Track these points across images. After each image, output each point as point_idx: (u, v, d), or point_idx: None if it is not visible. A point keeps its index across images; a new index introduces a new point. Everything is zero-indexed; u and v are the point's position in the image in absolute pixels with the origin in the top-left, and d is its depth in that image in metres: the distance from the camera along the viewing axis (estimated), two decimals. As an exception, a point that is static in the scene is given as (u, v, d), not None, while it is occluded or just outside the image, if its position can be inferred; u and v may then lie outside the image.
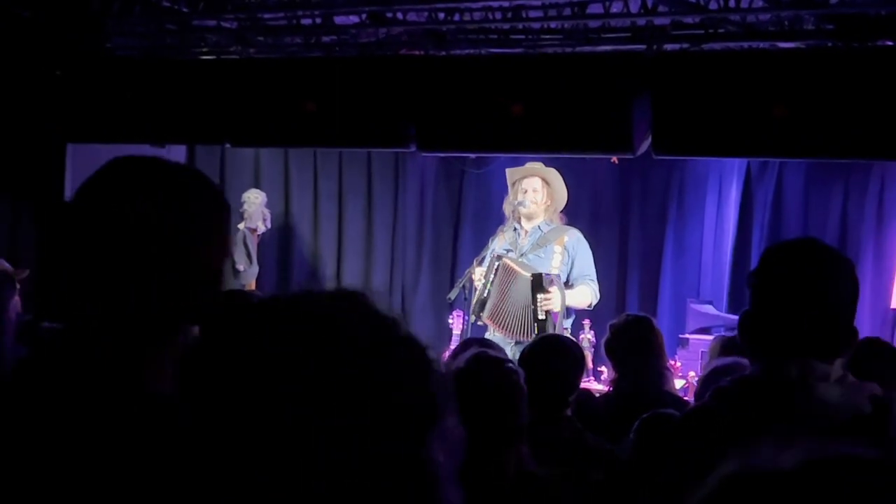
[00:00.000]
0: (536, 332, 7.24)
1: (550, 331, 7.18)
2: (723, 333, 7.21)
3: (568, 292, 7.40)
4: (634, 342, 5.24)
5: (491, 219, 9.61)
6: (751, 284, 2.66)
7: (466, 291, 7.59)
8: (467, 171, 11.04)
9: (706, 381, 3.85)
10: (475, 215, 11.06)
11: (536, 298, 7.28)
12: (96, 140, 7.46)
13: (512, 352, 7.09)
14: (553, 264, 7.54)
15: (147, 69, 7.43)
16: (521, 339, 7.34)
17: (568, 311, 7.53)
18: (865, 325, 9.00)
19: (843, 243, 9.49)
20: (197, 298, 1.79)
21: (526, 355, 4.57)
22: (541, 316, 7.28)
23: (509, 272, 7.44)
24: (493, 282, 7.47)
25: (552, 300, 7.28)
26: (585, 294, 7.50)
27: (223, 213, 1.89)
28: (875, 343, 4.34)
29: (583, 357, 4.74)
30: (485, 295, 7.49)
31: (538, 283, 7.28)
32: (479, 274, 7.55)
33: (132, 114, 7.36)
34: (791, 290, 2.56)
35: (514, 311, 7.40)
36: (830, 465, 0.86)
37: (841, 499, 0.84)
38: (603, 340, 5.40)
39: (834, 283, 2.57)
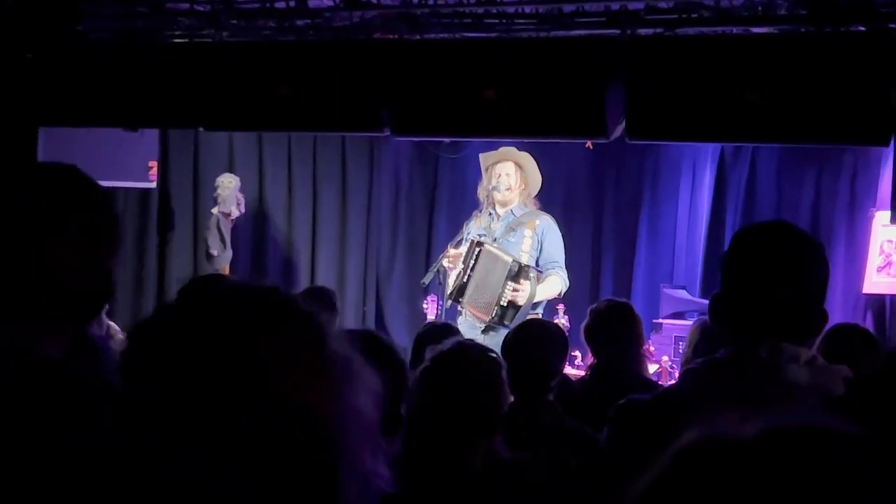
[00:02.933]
0: (494, 316, 7.27)
1: (507, 321, 7.21)
2: (703, 318, 7.23)
3: (539, 287, 7.39)
4: (615, 327, 5.26)
5: (465, 203, 9.62)
6: (722, 266, 2.67)
7: (440, 276, 7.59)
8: (442, 156, 11.03)
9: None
10: (450, 200, 11.06)
11: (506, 285, 7.28)
12: (68, 124, 7.43)
13: (481, 339, 7.10)
14: (523, 248, 7.54)
15: (119, 52, 7.37)
16: (485, 316, 7.35)
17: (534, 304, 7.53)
18: (837, 309, 9.04)
19: (815, 228, 9.54)
20: (65, 294, 1.84)
21: (509, 340, 4.57)
22: (503, 302, 7.29)
23: (490, 256, 7.44)
24: (472, 267, 7.46)
25: (520, 294, 7.28)
26: (555, 285, 7.50)
27: (96, 212, 1.92)
28: (847, 327, 4.36)
29: (566, 342, 4.75)
30: (464, 280, 7.48)
31: (515, 273, 7.28)
32: (452, 254, 7.54)
33: (104, 97, 7.31)
34: (761, 271, 2.57)
35: (488, 293, 7.40)
36: (791, 434, 0.86)
37: (801, 467, 0.84)
38: (583, 325, 5.41)
39: (804, 265, 2.58)
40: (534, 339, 4.50)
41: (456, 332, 5.21)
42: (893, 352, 2.77)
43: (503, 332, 5.99)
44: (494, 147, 7.97)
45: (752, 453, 0.85)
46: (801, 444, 0.85)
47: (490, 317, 7.34)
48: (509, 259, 7.32)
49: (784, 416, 0.88)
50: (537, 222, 7.63)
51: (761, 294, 2.56)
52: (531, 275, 7.33)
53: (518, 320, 7.17)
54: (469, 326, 7.34)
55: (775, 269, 2.56)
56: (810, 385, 2.48)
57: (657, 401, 2.80)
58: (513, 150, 7.81)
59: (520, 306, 7.28)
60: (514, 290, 7.27)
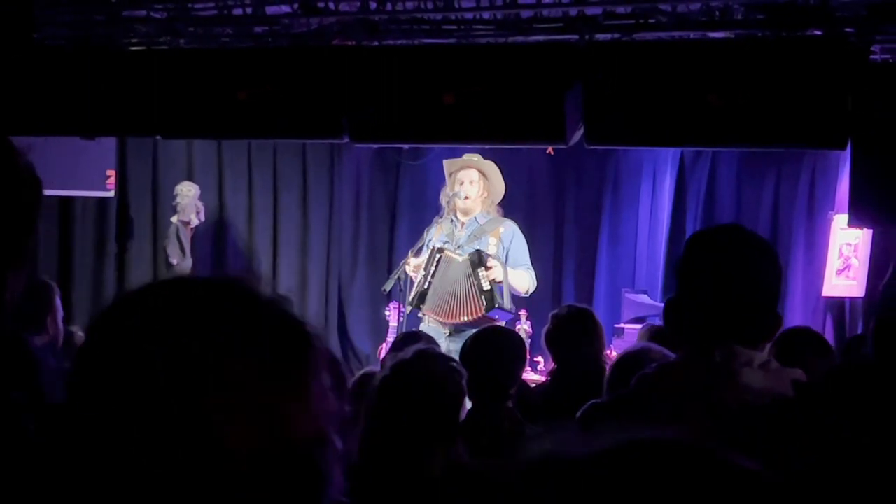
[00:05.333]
0: (485, 304, 7.26)
1: (498, 302, 7.22)
2: (653, 322, 7.25)
3: (511, 273, 7.42)
4: (576, 333, 5.27)
5: (427, 210, 9.61)
6: (676, 271, 2.67)
7: (402, 283, 7.59)
8: (403, 163, 11.03)
9: (617, 368, 3.85)
10: (411, 206, 11.05)
11: (478, 274, 7.29)
12: (24, 132, 7.33)
13: (446, 344, 7.10)
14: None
15: (76, 60, 7.30)
16: (470, 317, 7.33)
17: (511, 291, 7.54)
18: (797, 312, 9.11)
19: (775, 232, 9.60)
20: None
21: (468, 348, 4.57)
22: (486, 287, 7.29)
23: (450, 263, 7.45)
24: (433, 274, 7.46)
25: (494, 270, 7.30)
26: (524, 278, 7.53)
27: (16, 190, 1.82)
28: (799, 330, 4.38)
29: (524, 349, 4.76)
30: (425, 287, 7.47)
31: (477, 260, 7.30)
32: (414, 265, 7.55)
33: (61, 105, 7.24)
34: (714, 276, 2.57)
35: (457, 296, 7.40)
36: (631, 451, 0.85)
37: (631, 486, 0.83)
38: (544, 330, 5.42)
39: (756, 268, 2.58)
40: (492, 347, 4.50)
41: (428, 339, 5.19)
42: (843, 363, 2.78)
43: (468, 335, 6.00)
44: (457, 153, 7.97)
45: (584, 472, 0.84)
46: (634, 464, 0.84)
47: (477, 311, 7.31)
48: (463, 257, 7.36)
49: (627, 434, 0.87)
50: (502, 230, 7.64)
51: (715, 298, 2.56)
52: (491, 254, 7.37)
53: (508, 301, 7.20)
54: (433, 332, 7.32)
55: (729, 274, 2.56)
56: (764, 388, 2.48)
57: (612, 405, 2.80)
58: (477, 157, 7.82)
59: (500, 282, 7.30)
60: (487, 269, 7.29)
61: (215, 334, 1.11)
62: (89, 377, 1.12)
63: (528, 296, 7.76)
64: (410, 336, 5.33)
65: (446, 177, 7.86)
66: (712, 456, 0.86)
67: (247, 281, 1.20)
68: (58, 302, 4.80)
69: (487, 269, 7.32)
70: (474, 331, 5.21)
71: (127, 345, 1.11)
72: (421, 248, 7.66)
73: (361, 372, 4.70)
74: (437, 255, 7.47)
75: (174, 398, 1.06)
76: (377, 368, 4.72)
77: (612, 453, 0.86)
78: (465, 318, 7.38)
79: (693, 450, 0.86)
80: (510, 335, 4.95)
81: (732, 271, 2.56)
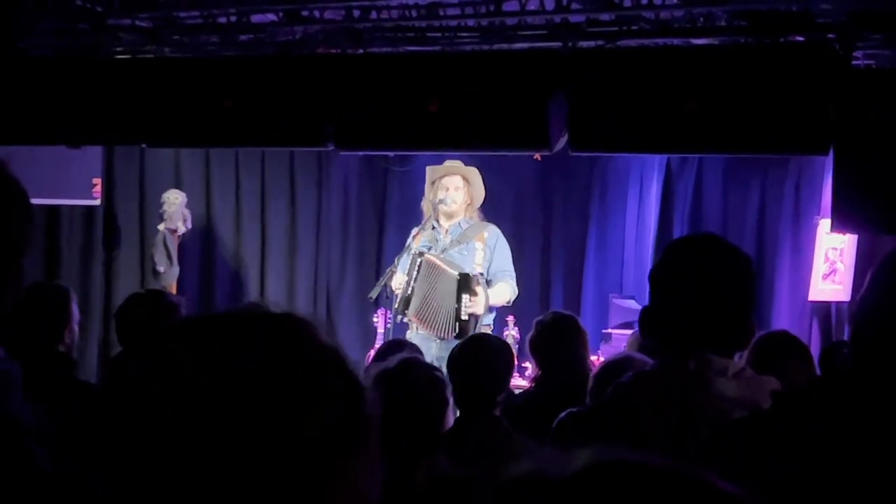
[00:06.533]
0: (458, 332, 7.25)
1: (471, 331, 7.21)
2: (640, 329, 7.25)
3: (490, 291, 7.42)
4: (559, 340, 5.27)
5: (415, 216, 9.59)
6: (651, 279, 2.68)
7: (388, 290, 7.60)
8: (390, 169, 11.02)
9: (600, 376, 3.86)
10: (399, 213, 11.04)
11: (461, 299, 7.28)
12: (8, 142, 7.34)
13: (436, 349, 7.11)
14: (476, 260, 7.58)
15: (61, 69, 7.31)
16: (443, 336, 7.35)
17: (490, 308, 7.56)
18: (784, 317, 9.12)
19: (761, 237, 9.62)
20: None
21: (455, 356, 4.56)
22: (463, 317, 7.29)
23: (433, 268, 7.45)
24: (416, 279, 7.47)
25: (477, 303, 7.30)
26: (505, 292, 7.54)
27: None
28: (775, 335, 4.37)
29: (512, 357, 4.75)
30: (409, 293, 7.48)
31: (465, 284, 7.29)
32: (398, 280, 7.55)
33: (46, 115, 7.25)
34: (689, 284, 2.59)
35: (437, 309, 7.41)
36: (607, 472, 0.86)
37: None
38: (528, 337, 5.42)
39: (729, 277, 2.60)
40: (479, 355, 4.49)
41: (412, 348, 5.19)
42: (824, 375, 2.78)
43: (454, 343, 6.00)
44: (442, 160, 7.98)
45: (564, 491, 0.85)
46: (614, 483, 0.85)
47: (448, 333, 7.32)
48: (454, 273, 7.33)
49: (609, 453, 0.87)
50: (486, 234, 7.66)
51: (689, 307, 2.58)
52: (479, 280, 7.36)
53: (477, 329, 7.20)
54: (422, 339, 7.32)
55: (703, 283, 2.57)
56: (738, 397, 2.50)
57: (588, 414, 2.81)
58: (459, 163, 7.84)
59: (479, 316, 7.31)
60: (472, 301, 7.29)
61: (267, 389, 1.02)
62: (119, 417, 1.04)
63: (510, 305, 7.77)
64: (394, 345, 5.33)
65: (428, 183, 7.87)
66: (691, 478, 0.86)
67: (307, 324, 1.10)
68: (74, 307, 4.75)
69: (474, 294, 7.31)
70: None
71: (163, 389, 1.02)
72: (403, 257, 7.67)
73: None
74: (419, 260, 7.49)
75: (207, 458, 0.99)
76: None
77: (590, 474, 0.85)
78: (435, 335, 7.40)
79: (671, 472, 0.86)
80: (497, 343, 4.94)
81: (706, 280, 2.57)
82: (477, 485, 0.89)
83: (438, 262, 7.47)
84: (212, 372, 1.01)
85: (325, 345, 1.08)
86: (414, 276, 7.48)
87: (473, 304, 7.29)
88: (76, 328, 4.76)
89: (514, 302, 7.79)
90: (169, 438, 1.00)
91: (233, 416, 1.00)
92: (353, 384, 1.08)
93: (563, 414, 3.67)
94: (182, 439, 0.99)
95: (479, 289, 7.33)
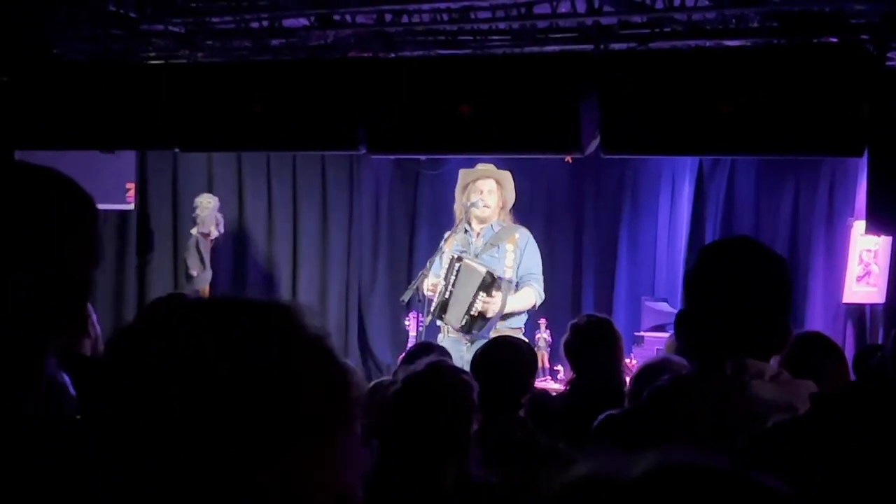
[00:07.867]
0: (462, 325, 7.28)
1: (476, 330, 7.23)
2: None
3: (511, 299, 7.40)
4: (594, 343, 5.27)
5: (446, 219, 9.61)
6: (685, 283, 2.68)
7: (420, 293, 7.60)
8: (422, 173, 11.04)
9: (638, 379, 3.86)
10: (431, 216, 11.06)
11: (478, 295, 7.29)
12: (44, 147, 7.39)
13: (466, 352, 7.10)
14: (507, 263, 7.56)
15: (95, 74, 7.35)
16: (455, 327, 7.35)
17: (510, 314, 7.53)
18: (818, 319, 9.08)
19: (794, 239, 9.58)
20: (51, 307, 1.70)
21: (478, 357, 4.57)
22: (473, 312, 7.29)
23: (470, 272, 7.44)
24: (454, 283, 7.46)
25: (491, 305, 7.29)
26: (529, 297, 7.51)
27: (78, 220, 1.79)
28: (809, 336, 4.34)
29: (534, 358, 4.75)
30: (446, 296, 7.48)
31: (487, 283, 7.29)
32: (430, 283, 7.55)
33: (80, 120, 7.29)
34: (724, 288, 2.57)
35: (457, 299, 7.41)
36: (673, 475, 0.86)
37: None
38: (563, 340, 5.42)
39: (765, 280, 2.58)
40: (502, 357, 4.50)
41: (441, 352, 5.18)
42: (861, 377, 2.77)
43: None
44: (474, 163, 7.98)
45: (632, 493, 0.85)
46: (681, 485, 0.85)
47: (460, 325, 7.35)
48: (483, 270, 7.33)
49: (673, 455, 0.88)
50: (517, 236, 7.66)
51: (725, 311, 2.56)
52: (503, 286, 7.35)
53: (486, 330, 7.19)
54: (452, 342, 7.32)
55: (738, 286, 2.56)
56: (775, 401, 2.48)
57: (626, 417, 2.80)
58: (492, 167, 7.84)
59: (488, 318, 7.30)
60: (485, 301, 7.28)
61: (249, 373, 1.06)
62: (110, 402, 1.09)
63: (535, 309, 7.75)
64: (423, 348, 5.33)
65: (461, 187, 7.87)
66: (756, 482, 0.87)
67: (293, 311, 1.14)
68: (92, 317, 4.78)
69: (490, 296, 7.30)
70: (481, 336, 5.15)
71: (149, 373, 1.06)
72: (435, 261, 7.65)
73: (373, 382, 4.71)
74: (457, 265, 7.48)
75: (196, 439, 1.03)
76: (389, 377, 4.73)
77: (658, 476, 0.87)
78: (451, 324, 7.42)
79: (727, 473, 0.87)
80: (520, 345, 4.94)
81: (741, 283, 2.56)
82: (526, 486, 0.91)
83: (474, 263, 7.46)
84: (197, 356, 1.06)
85: (309, 330, 1.12)
86: (452, 280, 7.47)
87: (486, 304, 7.29)
88: (97, 326, 4.79)
89: (545, 304, 7.77)
90: (158, 417, 1.05)
91: (218, 396, 1.04)
92: (335, 366, 1.13)
93: (601, 416, 3.68)
94: (166, 418, 1.04)
95: (496, 293, 7.31)
